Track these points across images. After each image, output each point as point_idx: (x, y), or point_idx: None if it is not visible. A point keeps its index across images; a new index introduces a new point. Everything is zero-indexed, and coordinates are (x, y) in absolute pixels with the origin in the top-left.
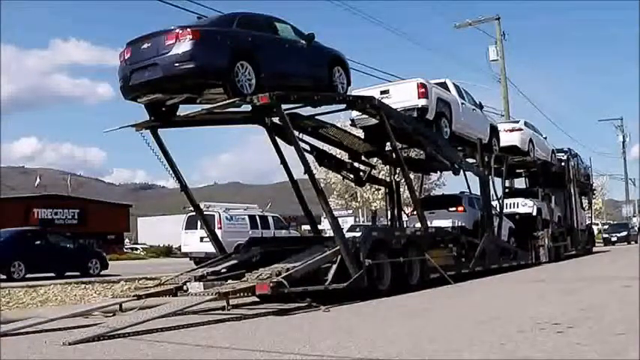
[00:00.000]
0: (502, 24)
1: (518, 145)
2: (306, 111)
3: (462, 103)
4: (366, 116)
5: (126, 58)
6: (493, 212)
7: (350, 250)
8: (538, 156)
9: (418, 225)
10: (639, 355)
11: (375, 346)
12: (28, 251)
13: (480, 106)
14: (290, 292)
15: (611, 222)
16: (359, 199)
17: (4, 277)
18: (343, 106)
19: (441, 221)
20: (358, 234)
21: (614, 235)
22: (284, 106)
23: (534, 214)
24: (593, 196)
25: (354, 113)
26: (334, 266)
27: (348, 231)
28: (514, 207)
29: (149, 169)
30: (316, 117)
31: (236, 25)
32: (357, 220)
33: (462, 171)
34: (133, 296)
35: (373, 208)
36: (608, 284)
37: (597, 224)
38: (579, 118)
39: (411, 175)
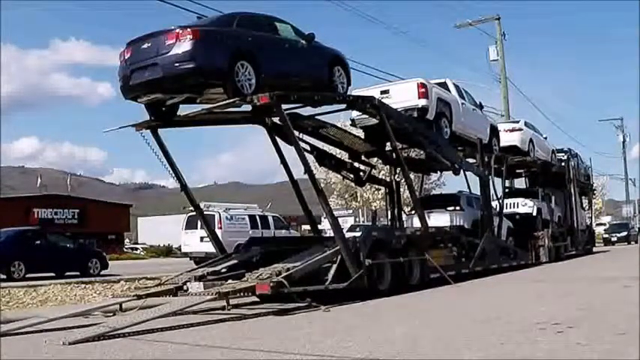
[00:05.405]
0: (502, 24)
1: (518, 145)
2: (306, 111)
3: (462, 103)
4: (366, 116)
5: (126, 57)
6: (493, 212)
7: (350, 250)
8: (538, 156)
9: (417, 224)
10: (639, 355)
11: (375, 346)
12: (28, 251)
13: (480, 106)
14: (290, 292)
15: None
16: (359, 199)
17: (4, 277)
18: (343, 106)
19: (438, 220)
20: (358, 234)
21: (614, 235)
22: (284, 106)
23: (534, 214)
24: (593, 196)
25: (354, 113)
26: (334, 266)
27: (348, 231)
28: (514, 207)
29: (149, 169)
30: (316, 117)
31: (236, 25)
32: (357, 220)
33: (462, 171)
34: (133, 296)
35: (373, 208)
36: (608, 284)
37: (605, 224)
38: (579, 118)
39: (411, 175)
